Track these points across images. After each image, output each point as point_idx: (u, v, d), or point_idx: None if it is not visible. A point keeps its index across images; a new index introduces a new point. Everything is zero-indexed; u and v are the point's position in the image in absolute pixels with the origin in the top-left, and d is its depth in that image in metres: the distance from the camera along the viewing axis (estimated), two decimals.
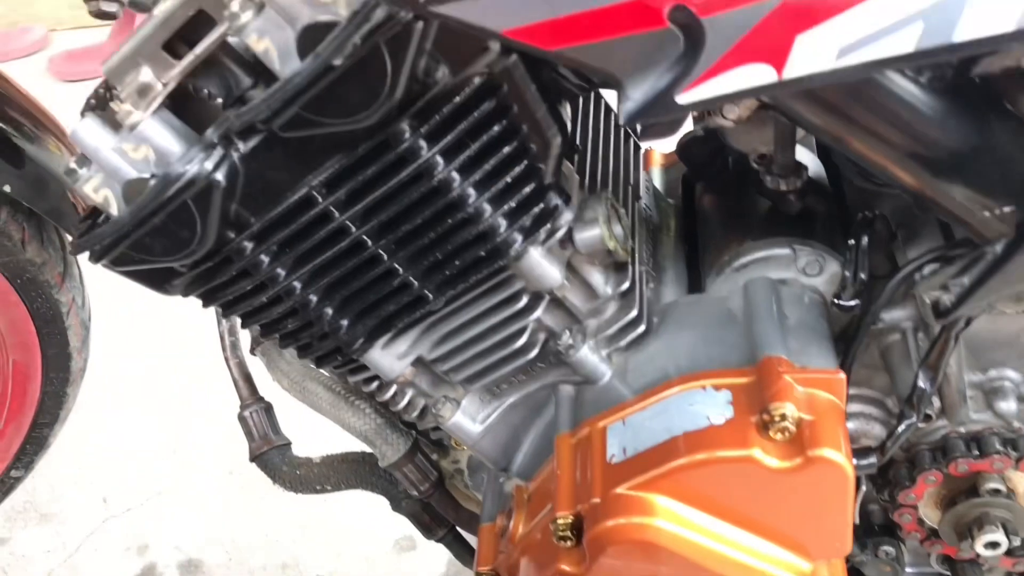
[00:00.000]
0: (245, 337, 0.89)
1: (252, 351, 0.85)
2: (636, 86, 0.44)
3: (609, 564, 0.60)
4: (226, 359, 0.89)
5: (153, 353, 1.62)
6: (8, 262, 0.99)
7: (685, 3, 0.41)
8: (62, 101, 1.15)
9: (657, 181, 0.84)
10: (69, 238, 1.05)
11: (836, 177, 0.72)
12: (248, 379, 0.89)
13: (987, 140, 0.49)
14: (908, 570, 0.81)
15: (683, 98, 0.43)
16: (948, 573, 0.76)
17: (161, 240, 0.59)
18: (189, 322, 1.37)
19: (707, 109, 0.52)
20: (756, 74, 0.43)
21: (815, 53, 0.42)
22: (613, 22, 0.42)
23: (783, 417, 0.56)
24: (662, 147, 0.87)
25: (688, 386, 0.62)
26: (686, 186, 0.81)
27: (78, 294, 1.10)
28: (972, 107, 0.49)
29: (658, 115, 0.44)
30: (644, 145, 0.82)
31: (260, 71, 0.59)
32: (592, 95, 0.75)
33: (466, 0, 0.41)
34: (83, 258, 1.08)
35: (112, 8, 0.81)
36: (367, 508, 1.36)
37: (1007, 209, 0.48)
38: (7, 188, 0.90)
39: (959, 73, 0.48)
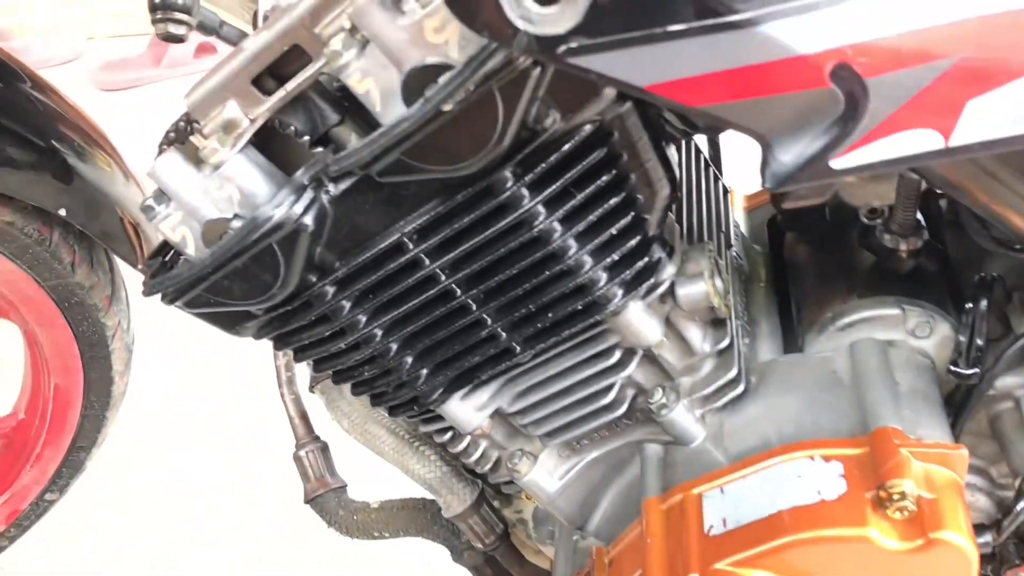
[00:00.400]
0: (302, 372, 0.86)
1: (311, 389, 0.82)
2: (786, 147, 0.40)
3: None
4: (282, 395, 0.86)
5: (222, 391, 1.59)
6: (57, 285, 0.96)
7: (849, 62, 0.38)
8: (101, 110, 1.11)
9: (742, 222, 0.80)
10: (118, 260, 1.02)
11: (939, 233, 0.68)
12: (304, 417, 0.85)
13: None
14: None
15: (838, 163, 0.40)
16: None
17: (241, 283, 0.56)
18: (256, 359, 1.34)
19: (864, 175, 0.49)
20: (920, 140, 0.39)
21: (988, 120, 0.38)
22: (769, 80, 0.38)
23: (902, 495, 0.53)
24: (743, 185, 0.84)
25: (794, 455, 0.58)
26: (773, 231, 0.77)
27: (124, 317, 1.07)
28: None
29: (809, 179, 0.40)
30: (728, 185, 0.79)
31: (348, 107, 0.56)
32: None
33: (609, 53, 0.38)
34: (132, 282, 1.05)
35: (180, 31, 0.78)
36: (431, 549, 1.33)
37: None
38: (62, 212, 0.87)
39: None
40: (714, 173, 0.74)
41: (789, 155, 0.40)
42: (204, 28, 0.80)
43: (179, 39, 0.78)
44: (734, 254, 0.71)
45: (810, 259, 0.70)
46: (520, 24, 0.38)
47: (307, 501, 0.83)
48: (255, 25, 0.82)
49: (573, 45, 0.38)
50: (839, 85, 0.39)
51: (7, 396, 1.20)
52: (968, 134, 0.39)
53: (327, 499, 0.83)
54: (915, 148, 0.39)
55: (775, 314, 0.70)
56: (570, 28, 0.38)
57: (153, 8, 0.77)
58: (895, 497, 0.53)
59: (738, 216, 0.81)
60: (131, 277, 1.08)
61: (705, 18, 0.37)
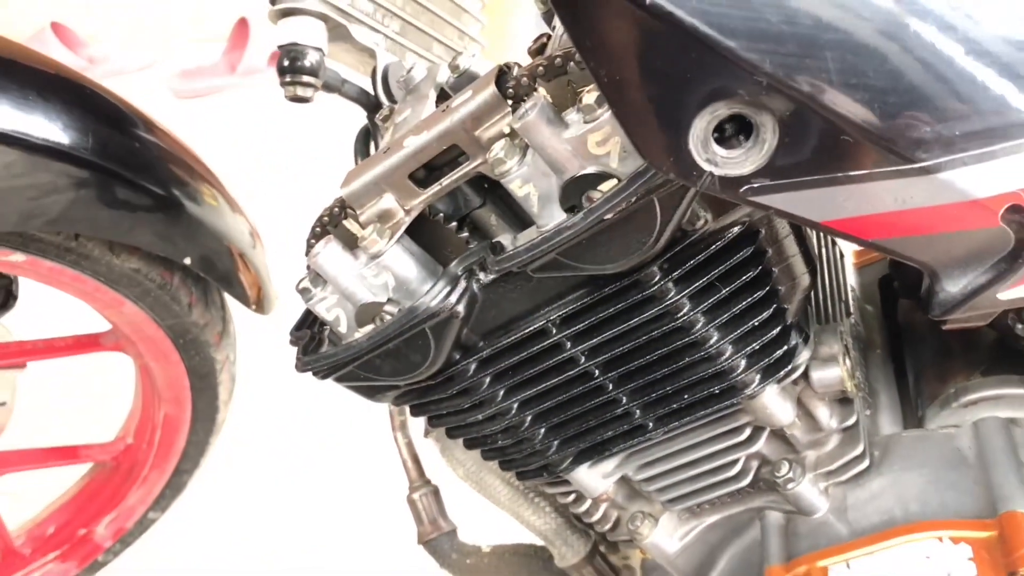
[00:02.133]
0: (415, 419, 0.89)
1: (426, 435, 0.85)
2: (954, 280, 0.42)
3: None
4: (395, 438, 0.89)
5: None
6: (174, 324, 1.00)
7: (1021, 203, 0.39)
8: (179, 118, 1.14)
9: (851, 278, 0.81)
10: (228, 297, 1.06)
11: None
12: (416, 460, 0.88)
13: None
14: None
15: (1006, 295, 0.42)
16: None
17: (392, 362, 0.59)
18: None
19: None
20: None
21: None
22: (943, 220, 0.40)
23: None
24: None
25: (921, 535, 0.59)
26: (885, 291, 0.79)
27: (232, 351, 1.11)
28: None
29: (975, 309, 0.42)
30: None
31: (488, 191, 0.59)
32: None
33: (788, 193, 0.40)
34: (236, 313, 1.09)
35: (308, 93, 0.81)
36: None
37: None
38: (187, 261, 0.91)
39: None
40: (832, 239, 0.75)
41: (957, 287, 0.42)
42: (328, 87, 0.83)
43: (306, 101, 0.81)
44: (852, 322, 0.72)
45: (929, 329, 0.71)
46: (705, 167, 0.40)
47: (421, 543, 0.86)
48: (374, 80, 0.85)
49: (755, 185, 0.40)
50: (1010, 225, 0.40)
51: (110, 423, 1.26)
52: None
53: (440, 542, 0.86)
54: None
55: (893, 384, 0.71)
56: (753, 171, 0.40)
57: (282, 72, 0.80)
58: None
59: (850, 268, 0.83)
60: (235, 309, 1.12)
61: (886, 166, 0.39)
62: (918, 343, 0.72)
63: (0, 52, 0.83)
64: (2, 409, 1.12)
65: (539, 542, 0.83)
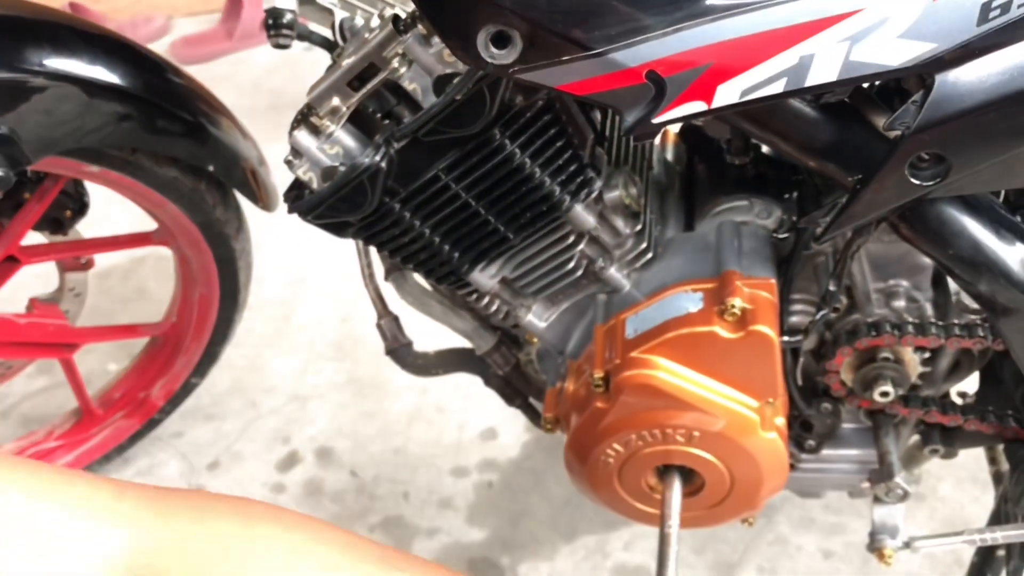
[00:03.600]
0: (379, 270, 1.25)
1: (386, 278, 1.21)
2: (629, 114, 0.77)
3: (627, 401, 0.95)
4: (365, 284, 1.25)
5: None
6: (204, 220, 1.36)
7: (654, 68, 0.75)
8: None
9: (668, 153, 1.17)
10: (242, 199, 1.41)
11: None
12: (381, 297, 1.24)
13: (844, 134, 0.81)
14: (849, 426, 1.16)
15: (656, 120, 0.77)
16: (870, 423, 1.11)
17: (346, 204, 0.94)
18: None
19: (670, 126, 0.86)
20: (695, 106, 0.76)
21: (727, 94, 0.76)
22: (615, 80, 0.76)
23: (733, 307, 0.91)
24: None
25: (677, 290, 0.96)
26: (688, 156, 1.15)
27: (247, 244, 1.47)
28: (837, 115, 0.82)
29: (643, 130, 0.78)
30: None
31: (400, 95, 0.94)
32: None
33: (533, 72, 0.76)
34: (252, 216, 1.45)
35: (287, 42, 1.16)
36: (459, 410, 1.74)
37: (856, 176, 0.81)
38: (211, 167, 1.27)
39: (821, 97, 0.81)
40: None
41: (631, 117, 0.78)
42: (301, 37, 1.19)
43: (286, 47, 1.17)
44: (655, 173, 1.08)
45: (703, 172, 1.08)
46: (488, 60, 0.76)
47: (387, 353, 1.24)
48: (334, 31, 1.20)
49: (516, 68, 0.76)
50: (651, 80, 0.76)
51: (158, 309, 1.64)
52: (718, 101, 0.76)
53: (401, 352, 1.23)
54: (692, 110, 0.77)
55: (682, 210, 1.08)
56: (512, 61, 0.76)
57: (267, 28, 1.15)
58: (729, 308, 0.91)
59: (669, 147, 1.19)
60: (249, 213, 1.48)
61: (577, 53, 0.74)
62: (698, 183, 1.08)
63: (58, 18, 1.19)
64: (77, 299, 1.50)
65: (466, 344, 1.21)
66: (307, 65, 2.67)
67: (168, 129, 1.22)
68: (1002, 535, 1.03)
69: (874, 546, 1.08)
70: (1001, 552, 1.18)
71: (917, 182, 0.76)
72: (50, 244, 1.38)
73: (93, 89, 1.13)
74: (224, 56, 2.81)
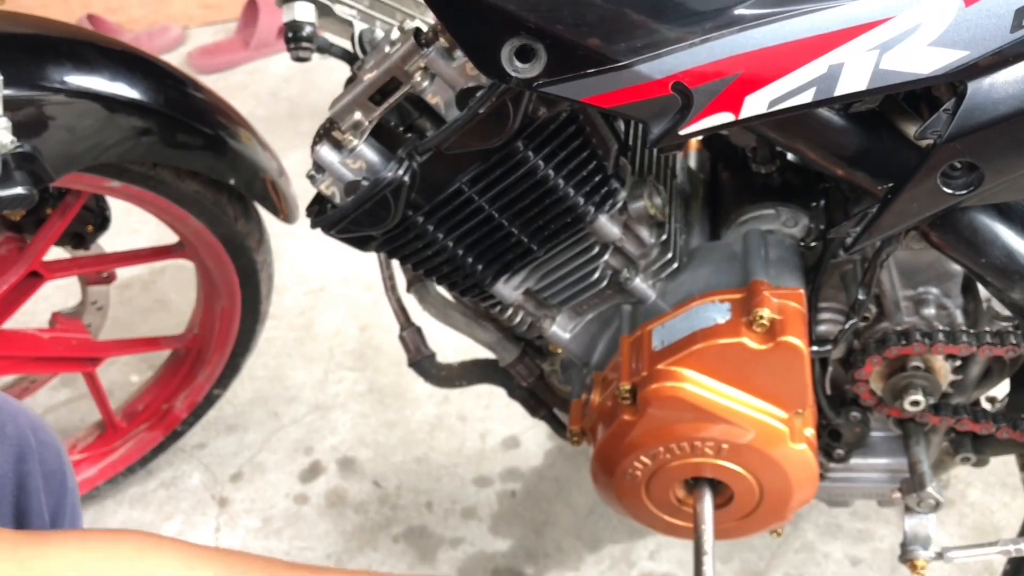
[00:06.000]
0: (401, 283, 1.24)
1: (408, 290, 1.21)
2: (655, 125, 0.77)
3: (654, 414, 0.94)
4: (388, 296, 1.25)
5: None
6: (225, 232, 1.36)
7: (681, 80, 0.75)
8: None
9: (692, 161, 1.16)
10: (262, 210, 1.41)
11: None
12: (403, 309, 1.24)
13: (874, 143, 0.80)
14: (878, 434, 1.14)
15: (683, 131, 0.76)
16: (900, 431, 1.09)
17: (369, 218, 0.94)
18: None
19: (697, 137, 0.85)
20: (722, 117, 0.75)
21: (755, 104, 0.75)
22: (640, 92, 0.75)
23: (762, 317, 0.90)
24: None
25: (704, 301, 0.95)
26: (712, 164, 1.14)
27: (268, 256, 1.47)
28: (866, 124, 0.81)
29: (669, 141, 0.77)
30: None
31: (422, 108, 0.94)
32: None
33: (557, 86, 0.75)
34: (271, 227, 1.45)
35: (307, 55, 1.16)
36: (480, 419, 1.73)
37: (886, 185, 0.80)
38: (232, 181, 1.27)
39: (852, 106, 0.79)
40: None
41: (657, 129, 0.77)
42: (320, 50, 1.18)
43: (306, 60, 1.17)
44: (679, 182, 1.07)
45: (728, 181, 1.07)
46: (512, 74, 0.75)
47: (410, 365, 1.23)
48: (353, 43, 1.19)
49: (540, 83, 0.75)
50: (677, 92, 0.75)
51: (179, 321, 1.64)
52: (746, 112, 0.75)
53: (424, 363, 1.22)
54: (720, 121, 0.76)
55: (707, 219, 1.07)
56: (536, 75, 0.75)
57: (287, 41, 1.15)
58: (758, 319, 0.90)
59: (692, 155, 1.18)
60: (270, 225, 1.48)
61: (604, 66, 0.74)
62: (723, 192, 1.07)
63: (77, 35, 1.19)
64: (99, 313, 1.50)
65: (489, 355, 1.20)
66: (323, 73, 2.68)
67: (188, 143, 1.22)
68: None
69: (906, 557, 1.06)
70: None
71: (949, 191, 0.75)
72: (72, 259, 1.38)
73: (113, 105, 1.13)
74: (241, 65, 2.81)
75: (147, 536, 0.59)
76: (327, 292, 2.04)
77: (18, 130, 1.00)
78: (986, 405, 1.12)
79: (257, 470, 1.70)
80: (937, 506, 1.04)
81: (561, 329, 1.06)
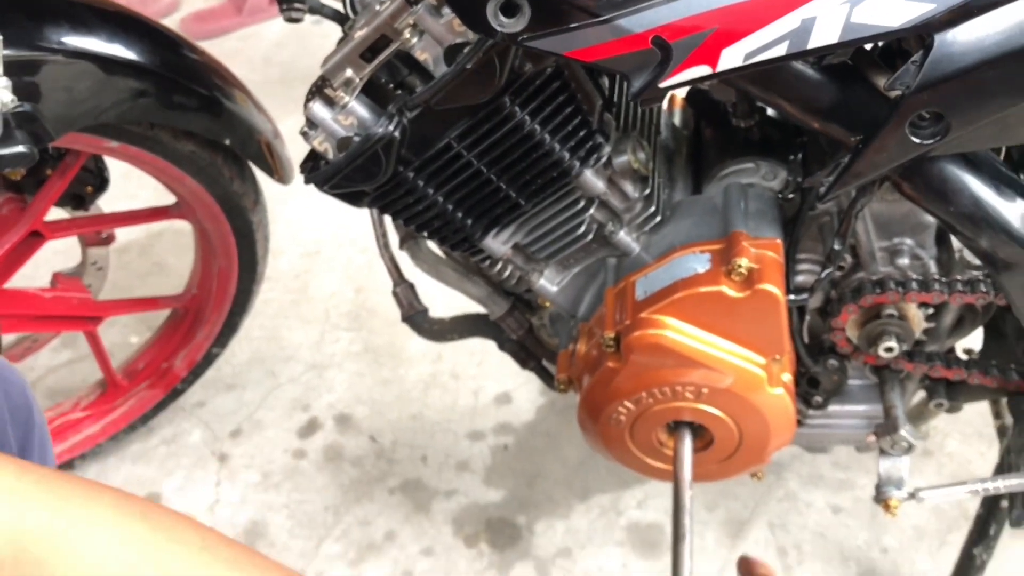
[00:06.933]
0: (393, 238, 1.27)
1: (400, 247, 1.24)
2: (636, 79, 0.80)
3: (637, 360, 0.98)
4: (381, 253, 1.28)
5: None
6: (221, 193, 1.38)
7: (660, 33, 0.77)
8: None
9: (677, 118, 1.19)
10: (258, 172, 1.44)
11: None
12: (396, 266, 1.27)
13: (846, 95, 0.83)
14: (855, 382, 1.18)
15: (663, 84, 0.79)
16: (876, 379, 1.13)
17: (361, 173, 0.97)
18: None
19: (677, 89, 0.88)
20: (700, 70, 0.78)
21: (731, 57, 0.78)
22: (622, 46, 0.78)
23: (740, 266, 0.93)
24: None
25: (685, 252, 0.99)
26: (696, 121, 1.17)
27: (264, 217, 1.50)
28: (839, 77, 0.84)
29: (650, 94, 0.80)
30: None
31: (412, 65, 0.96)
32: None
33: (542, 39, 0.78)
34: (269, 194, 1.47)
35: (299, 15, 1.19)
36: (473, 377, 1.77)
37: (857, 136, 0.83)
38: (228, 141, 1.30)
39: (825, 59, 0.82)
40: None
41: (638, 82, 0.80)
42: (312, 10, 1.21)
43: (298, 21, 1.19)
44: (663, 138, 1.10)
45: (710, 136, 1.10)
46: (498, 28, 0.78)
47: (403, 320, 1.27)
48: (344, 3, 1.22)
49: (524, 36, 0.78)
50: (657, 46, 0.78)
51: (178, 282, 1.67)
52: (723, 65, 0.78)
53: (416, 317, 1.26)
54: (698, 74, 0.79)
55: (690, 175, 1.10)
56: (521, 29, 0.78)
57: (279, 0, 1.17)
58: (736, 268, 0.93)
59: (676, 112, 1.20)
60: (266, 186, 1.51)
61: (586, 19, 0.77)
62: (706, 147, 1.10)
63: None
64: (99, 273, 1.53)
65: (480, 309, 1.24)
66: (316, 38, 2.69)
67: (184, 104, 1.25)
68: (1004, 484, 1.06)
69: (880, 497, 1.11)
70: (1005, 503, 1.21)
71: (917, 140, 0.78)
72: (72, 219, 1.41)
73: (110, 66, 1.15)
74: (234, 31, 2.82)
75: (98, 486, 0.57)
76: (322, 255, 2.08)
77: (18, 90, 1.03)
78: (962, 356, 1.16)
79: (256, 427, 1.74)
80: (910, 448, 1.08)
81: (549, 282, 1.09)
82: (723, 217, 0.99)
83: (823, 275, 0.99)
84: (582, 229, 1.03)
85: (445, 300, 1.29)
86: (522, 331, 1.21)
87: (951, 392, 1.16)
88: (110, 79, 1.16)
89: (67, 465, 1.60)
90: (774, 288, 0.93)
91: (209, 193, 1.38)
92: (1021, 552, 1.46)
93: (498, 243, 1.05)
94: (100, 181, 1.39)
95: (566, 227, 1.03)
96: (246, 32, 2.82)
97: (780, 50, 0.77)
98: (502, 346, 1.25)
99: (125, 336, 1.86)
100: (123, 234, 1.56)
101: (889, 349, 1.04)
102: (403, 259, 1.24)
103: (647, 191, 1.02)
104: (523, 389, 1.75)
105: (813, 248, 1.05)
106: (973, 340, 1.21)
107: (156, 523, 0.55)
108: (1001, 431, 1.28)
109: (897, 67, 0.84)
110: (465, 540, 1.53)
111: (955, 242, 1.04)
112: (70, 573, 0.51)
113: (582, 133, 0.95)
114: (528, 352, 1.23)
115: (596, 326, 1.05)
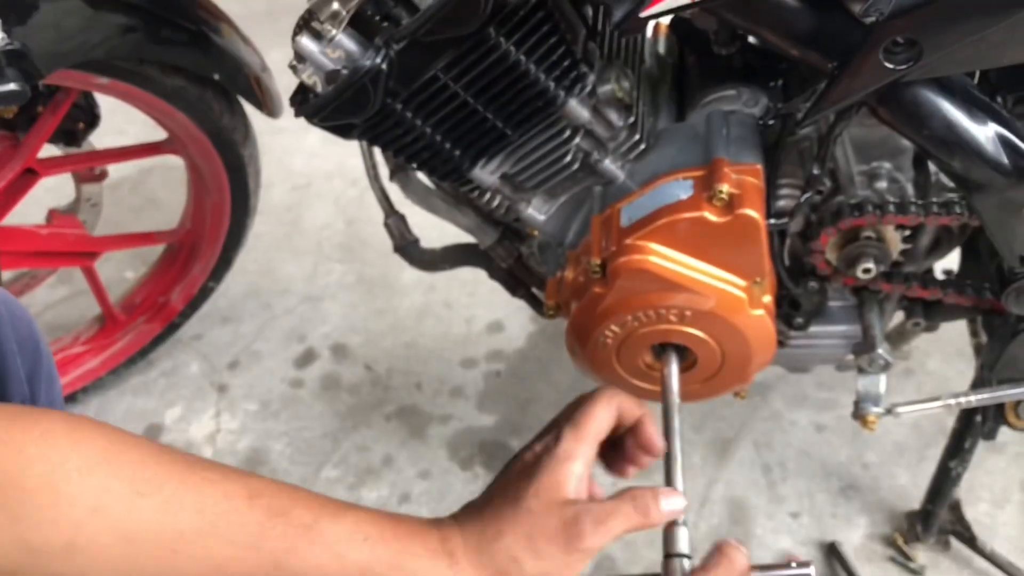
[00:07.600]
0: (383, 169, 1.29)
1: (391, 178, 1.26)
2: (617, 9, 0.81)
3: (623, 285, 1.01)
4: (371, 185, 1.30)
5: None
6: (211, 128, 1.40)
7: None
8: None
9: (661, 46, 1.20)
10: (247, 106, 1.45)
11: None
12: (387, 197, 1.29)
13: (823, 22, 0.85)
14: (835, 303, 1.22)
15: (643, 14, 0.81)
16: (856, 299, 1.17)
17: (350, 105, 0.98)
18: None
19: (658, 19, 0.89)
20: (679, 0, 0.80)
21: None
22: None
23: (721, 192, 0.96)
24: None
25: (668, 179, 1.01)
26: (680, 50, 1.18)
27: (254, 151, 1.51)
28: (816, 4, 0.85)
29: (630, 24, 0.82)
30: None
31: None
32: None
33: None
34: (258, 128, 1.49)
35: None
36: (465, 306, 1.81)
37: (834, 64, 0.85)
38: (216, 76, 1.31)
39: None
40: None
41: (619, 12, 0.82)
42: None
43: None
44: (647, 67, 1.12)
45: (694, 64, 1.11)
46: None
47: (395, 250, 1.29)
48: None
49: None
50: None
51: (169, 216, 1.69)
52: None
53: (408, 248, 1.29)
54: (677, 3, 0.80)
55: (674, 103, 1.12)
56: None
57: None
58: (717, 193, 0.96)
59: (661, 39, 1.21)
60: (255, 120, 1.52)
61: None
62: (690, 75, 1.12)
63: None
64: (93, 209, 1.55)
65: (470, 239, 1.27)
66: None
67: (172, 39, 1.25)
68: (976, 398, 1.11)
69: (858, 413, 1.15)
70: (979, 418, 1.26)
71: (891, 66, 0.81)
72: (66, 156, 1.42)
73: (98, 2, 1.16)
74: None
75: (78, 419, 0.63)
76: (313, 188, 2.09)
77: (6, 28, 1.04)
78: (940, 277, 1.19)
79: (253, 358, 1.78)
80: (887, 366, 1.12)
81: (536, 211, 1.12)
82: (705, 144, 1.02)
83: (803, 199, 1.01)
84: (568, 158, 1.05)
85: (436, 231, 1.31)
86: (511, 260, 1.23)
87: (928, 312, 1.20)
88: (98, 15, 1.17)
89: (70, 398, 1.64)
90: (754, 213, 0.96)
91: (199, 128, 1.39)
92: (995, 465, 1.52)
93: (486, 173, 1.07)
94: (91, 117, 1.40)
95: (552, 156, 1.05)
96: None
97: None
98: (492, 275, 1.28)
99: (120, 271, 1.89)
100: (115, 170, 1.57)
101: (867, 270, 1.07)
102: (393, 191, 1.26)
103: (631, 119, 1.04)
104: (514, 317, 1.78)
105: (793, 173, 1.08)
106: (952, 261, 1.24)
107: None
108: (977, 349, 1.33)
109: None
110: (460, 463, 1.58)
111: (932, 165, 1.07)
112: None
113: (566, 63, 0.97)
114: (518, 280, 1.26)
115: (583, 253, 1.08)
